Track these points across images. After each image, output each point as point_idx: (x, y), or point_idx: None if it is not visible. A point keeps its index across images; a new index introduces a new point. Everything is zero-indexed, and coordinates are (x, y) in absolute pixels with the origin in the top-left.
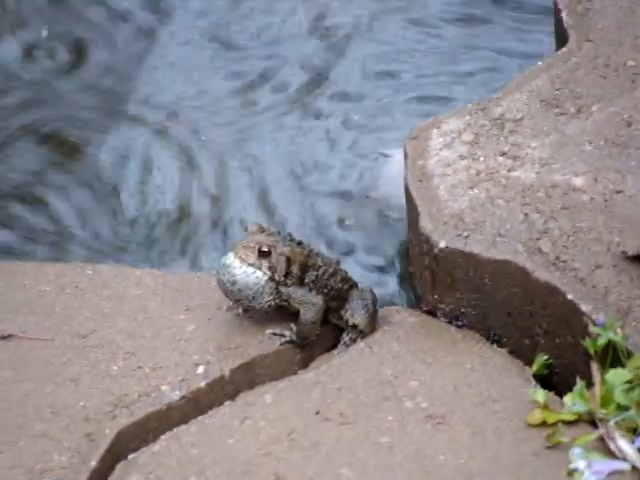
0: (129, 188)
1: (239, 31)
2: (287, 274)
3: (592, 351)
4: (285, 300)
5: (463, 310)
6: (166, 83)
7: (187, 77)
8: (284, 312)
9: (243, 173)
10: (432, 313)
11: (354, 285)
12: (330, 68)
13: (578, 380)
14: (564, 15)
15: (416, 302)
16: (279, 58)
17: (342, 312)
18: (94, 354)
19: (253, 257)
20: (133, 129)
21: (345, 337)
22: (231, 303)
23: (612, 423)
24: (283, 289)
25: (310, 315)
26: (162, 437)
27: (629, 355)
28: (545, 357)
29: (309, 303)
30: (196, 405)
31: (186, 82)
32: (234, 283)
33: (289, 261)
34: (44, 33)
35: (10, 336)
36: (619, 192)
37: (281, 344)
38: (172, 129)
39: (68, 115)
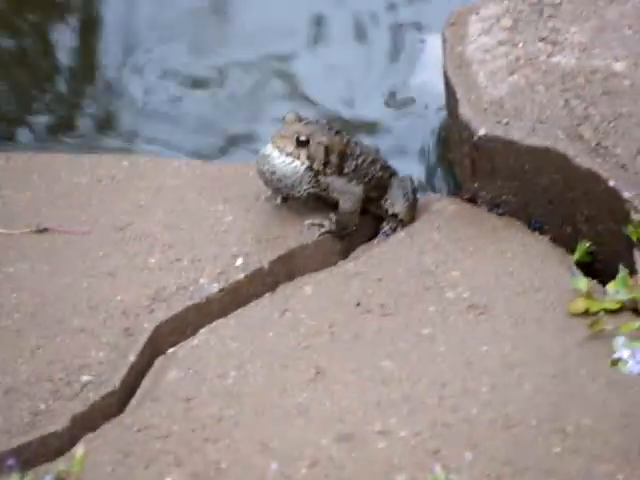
0: None
1: None
2: (326, 163)
3: (634, 238)
4: (324, 189)
5: (504, 198)
6: None
7: None
8: (323, 203)
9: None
10: (472, 201)
11: (394, 174)
12: None
13: (621, 268)
14: None
15: (456, 190)
16: None
17: (382, 201)
18: (131, 247)
19: (291, 146)
20: None
21: (385, 226)
22: (270, 193)
23: None
24: (322, 178)
25: (349, 204)
26: (201, 331)
27: None
28: (587, 244)
29: (348, 192)
30: (235, 298)
31: None
32: (273, 173)
33: (327, 150)
34: None
35: (46, 229)
36: None
37: (320, 234)
38: None
39: None
